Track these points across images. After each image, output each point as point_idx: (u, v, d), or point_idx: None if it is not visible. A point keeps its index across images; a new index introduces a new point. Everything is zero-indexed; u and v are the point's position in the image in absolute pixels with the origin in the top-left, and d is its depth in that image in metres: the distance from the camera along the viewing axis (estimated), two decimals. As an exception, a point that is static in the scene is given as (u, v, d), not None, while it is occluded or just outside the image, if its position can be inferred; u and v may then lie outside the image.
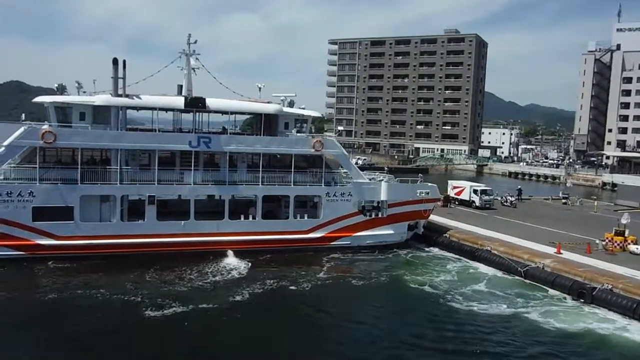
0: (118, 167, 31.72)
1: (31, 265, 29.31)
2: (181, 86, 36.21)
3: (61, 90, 33.33)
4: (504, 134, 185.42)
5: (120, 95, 32.43)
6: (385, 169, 48.57)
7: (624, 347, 22.32)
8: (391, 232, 37.57)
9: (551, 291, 28.81)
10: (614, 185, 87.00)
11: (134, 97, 32.95)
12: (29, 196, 29.92)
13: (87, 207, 31.15)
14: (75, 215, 30.81)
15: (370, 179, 38.27)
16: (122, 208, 32.03)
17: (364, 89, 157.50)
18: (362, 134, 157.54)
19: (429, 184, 39.65)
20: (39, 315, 23.52)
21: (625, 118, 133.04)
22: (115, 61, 32.16)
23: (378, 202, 37.12)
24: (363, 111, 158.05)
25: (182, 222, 32.71)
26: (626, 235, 34.36)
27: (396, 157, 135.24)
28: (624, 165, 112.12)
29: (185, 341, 21.43)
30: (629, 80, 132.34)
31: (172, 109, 35.36)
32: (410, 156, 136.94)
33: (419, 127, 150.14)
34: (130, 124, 36.19)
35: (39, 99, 33.02)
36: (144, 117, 41.72)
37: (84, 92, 34.05)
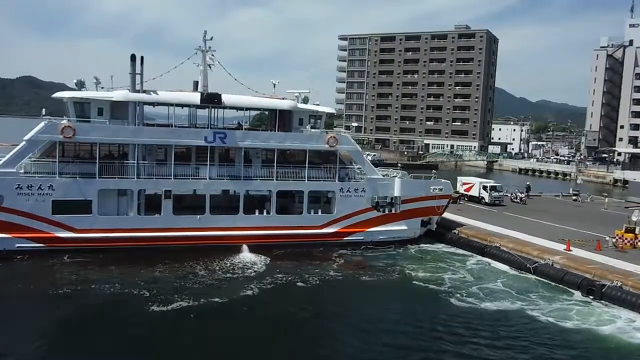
0: (135, 162, 32.38)
1: (49, 257, 30.01)
2: (197, 82, 36.74)
3: (80, 85, 33.97)
4: (514, 130, 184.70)
5: (138, 91, 33.04)
6: (399, 165, 48.85)
7: (632, 345, 22.54)
8: (404, 227, 37.99)
9: (561, 288, 29.12)
10: (625, 182, 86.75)
11: (151, 93, 33.54)
12: (48, 189, 30.67)
13: (105, 200, 31.87)
14: (94, 208, 31.53)
15: (384, 175, 38.65)
16: (139, 202, 32.71)
17: (373, 84, 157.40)
18: (371, 130, 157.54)
19: (443, 180, 39.93)
20: (51, 308, 24.11)
21: (637, 114, 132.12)
22: (133, 57, 32.76)
23: (392, 198, 37.50)
24: (373, 107, 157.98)
25: (198, 216, 33.35)
26: (637, 232, 34.56)
27: (406, 153, 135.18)
28: (636, 162, 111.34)
29: (189, 336, 21.67)
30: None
31: (189, 105, 35.91)
32: (420, 152, 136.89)
33: (428, 123, 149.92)
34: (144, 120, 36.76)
35: (58, 94, 33.72)
36: (156, 112, 42.33)
37: (102, 87, 34.69)
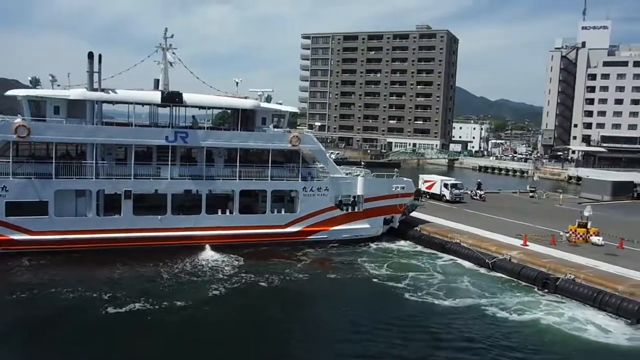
0: (94, 162, 31.67)
1: (6, 261, 29.01)
2: (158, 80, 36.20)
3: (35, 83, 33.02)
4: (474, 128, 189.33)
5: (96, 90, 32.32)
6: (362, 163, 49.28)
7: (580, 338, 23.28)
8: (367, 226, 38.39)
9: (518, 282, 30.03)
10: (578, 178, 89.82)
11: (110, 92, 32.85)
12: (2, 191, 29.73)
13: (62, 201, 31.07)
14: (50, 210, 30.71)
15: (347, 174, 38.97)
16: (97, 203, 32.02)
17: (337, 83, 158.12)
18: (335, 128, 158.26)
19: (405, 179, 40.55)
20: (7, 312, 23.49)
21: (589, 113, 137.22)
22: (90, 55, 32.06)
23: (354, 197, 37.85)
24: (336, 106, 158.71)
25: (159, 216, 32.89)
26: (589, 227, 35.95)
27: (369, 151, 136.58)
28: (589, 160, 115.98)
29: (147, 338, 21.44)
30: (593, 77, 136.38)
31: (149, 104, 35.34)
32: (383, 151, 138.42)
33: (391, 121, 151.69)
34: (104, 118, 35.99)
35: (12, 92, 32.66)
36: (116, 111, 41.51)
37: (58, 85, 33.80)
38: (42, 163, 31.24)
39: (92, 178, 31.63)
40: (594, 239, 35.15)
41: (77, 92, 32.17)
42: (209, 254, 32.48)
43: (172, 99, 33.90)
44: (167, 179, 33.30)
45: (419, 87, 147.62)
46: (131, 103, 34.11)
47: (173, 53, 36.18)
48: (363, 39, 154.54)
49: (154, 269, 29.47)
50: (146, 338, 21.52)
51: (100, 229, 31.68)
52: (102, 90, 32.55)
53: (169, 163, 33.27)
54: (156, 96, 33.90)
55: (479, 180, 61.56)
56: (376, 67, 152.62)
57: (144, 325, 22.61)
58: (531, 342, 22.56)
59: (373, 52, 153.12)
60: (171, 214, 33.16)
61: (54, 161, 30.84)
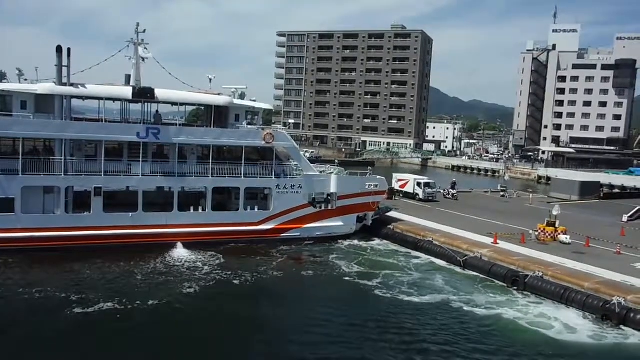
0: (62, 158, 30.99)
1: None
2: (129, 76, 35.55)
3: (0, 77, 32.13)
4: (447, 128, 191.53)
5: (65, 84, 31.62)
6: (336, 161, 49.39)
7: (545, 335, 23.64)
8: (341, 223, 38.51)
9: (489, 279, 30.49)
10: (548, 178, 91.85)
11: (79, 86, 32.17)
12: None
13: (29, 198, 30.30)
14: (17, 207, 29.93)
15: (321, 172, 38.99)
16: (66, 200, 31.35)
17: (312, 82, 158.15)
18: (310, 126, 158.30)
19: (378, 177, 40.79)
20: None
21: (559, 115, 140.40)
22: (59, 49, 31.27)
23: (328, 195, 37.89)
24: (311, 104, 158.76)
25: (130, 214, 32.38)
26: (557, 225, 36.76)
27: (343, 150, 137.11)
28: (558, 160, 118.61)
29: (121, 338, 21.08)
30: (563, 79, 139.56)
31: (120, 99, 34.75)
32: (358, 149, 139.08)
33: (366, 120, 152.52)
34: (74, 113, 35.26)
35: (-24, 86, 31.68)
36: (86, 106, 40.65)
37: (26, 79, 32.95)
38: (8, 159, 30.43)
39: (61, 174, 30.95)
40: (562, 237, 35.93)
41: (45, 87, 31.38)
42: (181, 252, 32.13)
43: (144, 94, 33.38)
44: (139, 175, 32.81)
45: (393, 86, 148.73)
46: (101, 98, 33.42)
47: (145, 48, 35.61)
48: (339, 37, 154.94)
49: (124, 268, 28.97)
50: (117, 338, 21.12)
51: (69, 226, 31.00)
52: (72, 85, 31.84)
53: (141, 160, 32.78)
54: (127, 92, 33.32)
55: (454, 180, 62.14)
56: (351, 66, 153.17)
57: (114, 324, 22.17)
58: (498, 339, 22.84)
59: (348, 50, 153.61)
60: (142, 211, 32.65)
61: (20, 157, 30.06)
